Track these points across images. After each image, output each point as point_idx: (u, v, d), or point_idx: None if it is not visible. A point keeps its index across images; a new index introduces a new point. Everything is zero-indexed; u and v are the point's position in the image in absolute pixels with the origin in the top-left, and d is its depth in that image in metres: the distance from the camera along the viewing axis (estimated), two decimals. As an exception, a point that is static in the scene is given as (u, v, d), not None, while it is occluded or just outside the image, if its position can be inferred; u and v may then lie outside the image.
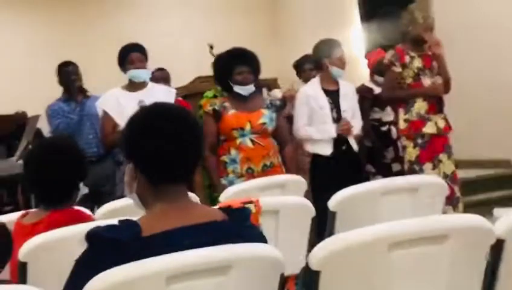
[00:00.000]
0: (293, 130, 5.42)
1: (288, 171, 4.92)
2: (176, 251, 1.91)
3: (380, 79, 6.12)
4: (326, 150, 5.28)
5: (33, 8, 11.67)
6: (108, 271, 1.85)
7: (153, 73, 5.87)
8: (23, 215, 3.00)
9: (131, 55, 5.27)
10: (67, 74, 6.02)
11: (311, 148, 5.40)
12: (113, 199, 3.87)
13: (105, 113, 5.26)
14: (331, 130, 5.26)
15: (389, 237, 2.02)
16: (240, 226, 2.15)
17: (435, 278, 2.09)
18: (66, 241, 2.60)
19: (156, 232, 2.00)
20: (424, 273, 2.08)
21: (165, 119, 2.14)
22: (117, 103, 5.21)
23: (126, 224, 2.06)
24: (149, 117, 2.17)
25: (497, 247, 2.11)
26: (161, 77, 6.40)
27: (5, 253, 2.22)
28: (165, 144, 2.09)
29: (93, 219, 3.09)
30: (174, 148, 2.09)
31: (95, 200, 4.41)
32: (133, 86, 5.29)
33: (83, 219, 2.92)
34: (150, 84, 5.45)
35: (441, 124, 5.26)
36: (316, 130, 5.31)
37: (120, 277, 1.85)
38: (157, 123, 2.12)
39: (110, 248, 1.97)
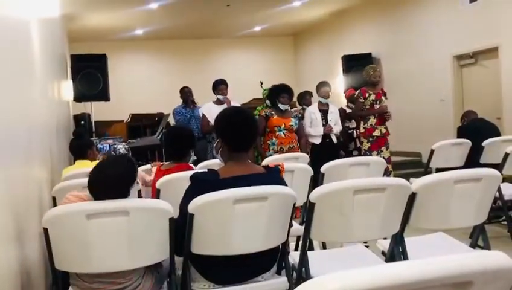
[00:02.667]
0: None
1: (301, 150, 5.40)
2: (238, 187, 2.02)
3: (351, 105, 6.74)
4: (317, 141, 5.85)
5: (168, 58, 12.75)
6: (201, 196, 1.99)
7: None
8: (161, 165, 3.24)
9: (220, 86, 5.88)
10: (185, 93, 6.50)
11: (310, 139, 5.88)
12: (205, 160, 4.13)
13: (204, 116, 5.84)
14: (320, 130, 5.82)
15: (354, 186, 2.13)
16: (273, 176, 2.23)
17: (377, 211, 2.18)
18: (180, 179, 2.73)
19: (227, 176, 2.11)
20: (372, 208, 2.17)
21: (237, 115, 2.23)
22: (210, 110, 5.73)
23: (210, 172, 2.18)
24: (230, 114, 2.27)
25: (412, 196, 2.25)
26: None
27: (134, 176, 2.16)
28: (236, 128, 2.18)
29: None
30: (241, 131, 2.18)
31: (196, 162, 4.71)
32: (219, 102, 5.86)
33: (191, 169, 3.12)
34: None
35: (383, 131, 5.70)
36: (313, 130, 5.86)
37: (207, 199, 1.99)
38: (233, 116, 2.22)
39: (202, 184, 2.09)
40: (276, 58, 13.30)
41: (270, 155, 5.00)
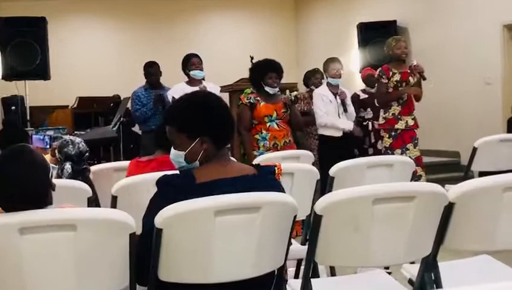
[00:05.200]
0: (317, 119, 5.95)
1: (298, 146, 5.50)
2: (218, 194, 2.01)
3: (368, 89, 6.89)
4: (338, 132, 5.89)
5: (129, 23, 12.49)
6: (171, 205, 1.98)
7: None
8: (139, 157, 3.34)
9: (192, 60, 5.95)
10: (150, 72, 6.55)
11: (325, 132, 5.96)
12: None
13: (174, 99, 5.71)
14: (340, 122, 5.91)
15: (373, 194, 2.15)
16: (266, 178, 2.22)
17: (403, 226, 2.19)
18: (143, 184, 2.69)
19: (206, 180, 2.11)
20: (396, 221, 2.19)
21: (216, 99, 2.31)
22: (183, 92, 5.66)
23: (184, 174, 2.18)
24: (208, 99, 2.31)
25: (449, 207, 2.26)
26: None
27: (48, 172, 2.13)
28: (224, 116, 2.25)
29: None
30: (229, 118, 2.27)
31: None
32: (193, 81, 5.92)
33: None
34: (204, 82, 6.03)
35: (411, 122, 5.72)
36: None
37: (179, 210, 1.98)
38: (214, 101, 2.28)
39: (173, 190, 2.10)
40: (272, 25, 13.25)
41: (261, 154, 4.87)
